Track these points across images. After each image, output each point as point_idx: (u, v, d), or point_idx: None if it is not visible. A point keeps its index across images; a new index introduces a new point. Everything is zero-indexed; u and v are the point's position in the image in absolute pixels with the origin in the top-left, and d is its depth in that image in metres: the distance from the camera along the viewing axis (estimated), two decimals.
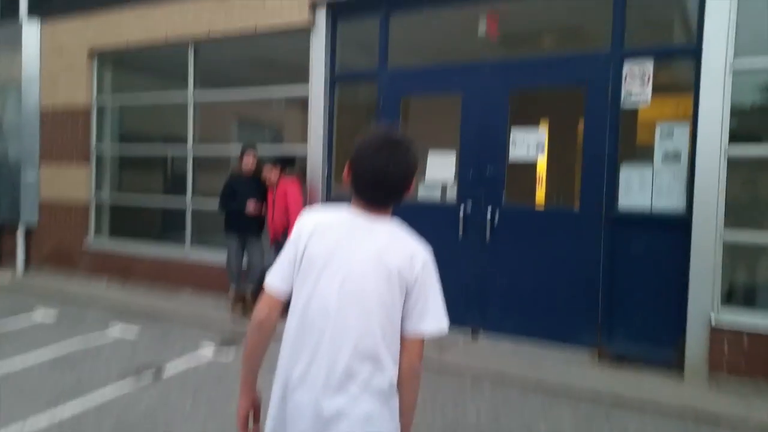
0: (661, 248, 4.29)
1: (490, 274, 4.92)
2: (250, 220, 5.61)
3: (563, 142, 6.48)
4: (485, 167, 4.94)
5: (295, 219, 4.98)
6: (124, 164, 8.13)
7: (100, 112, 7.61)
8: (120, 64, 7.64)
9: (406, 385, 1.49)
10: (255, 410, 1.59)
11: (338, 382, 1.42)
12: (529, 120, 5.03)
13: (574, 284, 4.56)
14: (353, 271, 1.46)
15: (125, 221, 8.10)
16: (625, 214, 4.41)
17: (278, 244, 5.45)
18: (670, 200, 4.24)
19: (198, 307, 5.96)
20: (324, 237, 1.50)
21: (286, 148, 6.25)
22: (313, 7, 5.60)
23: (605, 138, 4.45)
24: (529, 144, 4.77)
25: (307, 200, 5.78)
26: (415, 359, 1.49)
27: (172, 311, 5.88)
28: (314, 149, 5.78)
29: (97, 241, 7.55)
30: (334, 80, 5.75)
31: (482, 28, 5.14)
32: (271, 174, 5.47)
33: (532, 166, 5.78)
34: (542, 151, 4.76)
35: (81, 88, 7.47)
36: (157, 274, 6.84)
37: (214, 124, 7.31)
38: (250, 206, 5.55)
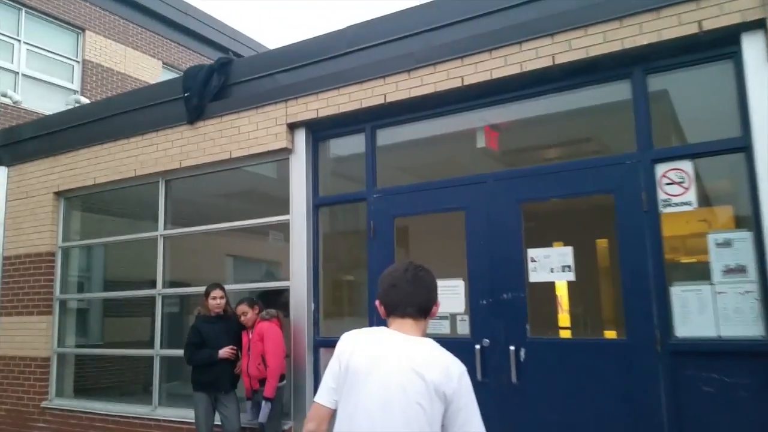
0: (741, 385, 3.29)
1: (521, 421, 3.85)
2: (222, 372, 4.61)
3: (586, 260, 5.62)
4: (500, 294, 4.05)
5: (274, 368, 4.02)
6: (91, 313, 7.24)
7: (65, 256, 6.83)
8: (88, 206, 7.01)
9: None
10: None
11: None
12: (546, 237, 4.23)
13: (632, 428, 3.49)
14: (394, 385, 1.61)
15: (91, 377, 7.02)
16: (686, 344, 3.46)
17: (256, 397, 4.41)
18: (743, 325, 3.31)
19: None
20: (365, 352, 1.69)
21: (267, 284, 5.36)
22: (291, 129, 5.02)
23: (646, 254, 3.62)
24: (553, 264, 3.93)
25: (289, 344, 4.81)
26: None
27: None
28: (297, 283, 4.92)
29: (59, 401, 6.41)
30: (317, 205, 5.03)
31: (481, 140, 4.51)
32: (245, 316, 4.57)
33: (551, 290, 4.91)
34: (570, 270, 3.90)
35: (45, 233, 6.75)
36: None
37: (206, 262, 6.56)
38: (225, 352, 4.58)
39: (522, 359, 3.92)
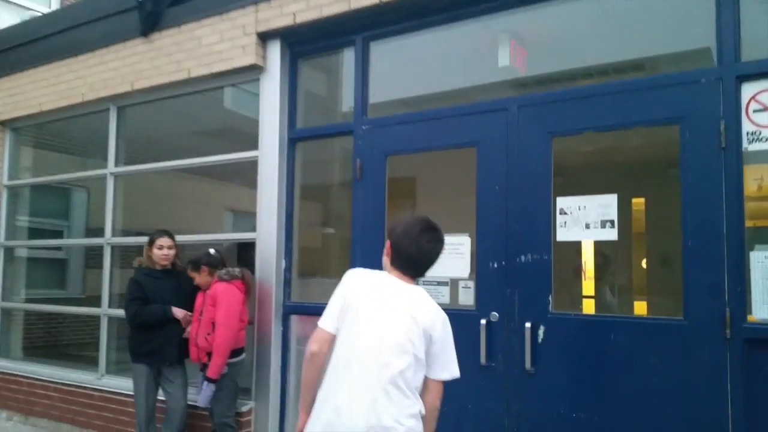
0: None
1: (536, 418, 3.02)
2: (167, 340, 3.79)
3: (622, 221, 4.68)
4: (517, 256, 3.17)
5: (222, 342, 3.28)
6: (41, 262, 6.47)
7: (12, 196, 6.01)
8: (40, 140, 6.14)
9: (429, 416, 1.95)
10: None
11: (383, 406, 1.82)
12: (583, 184, 3.30)
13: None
14: (392, 322, 1.90)
15: (43, 336, 6.29)
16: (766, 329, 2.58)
17: (205, 370, 3.59)
18: None
19: None
20: (369, 291, 1.97)
21: (225, 236, 4.49)
22: (263, 41, 4.07)
23: (720, 206, 2.70)
24: (590, 218, 3.03)
25: (254, 310, 3.98)
26: (436, 398, 1.96)
27: None
28: (265, 235, 4.06)
29: (2, 362, 5.69)
30: (293, 139, 4.13)
31: (504, 57, 3.54)
32: (200, 278, 3.72)
33: (577, 253, 4.01)
34: (613, 226, 3.00)
35: None
36: (63, 407, 4.92)
37: (200, 216, 5.73)
38: (178, 312, 3.77)
39: (540, 340, 3.07)
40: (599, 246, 4.04)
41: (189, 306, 3.83)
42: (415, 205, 5.06)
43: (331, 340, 1.95)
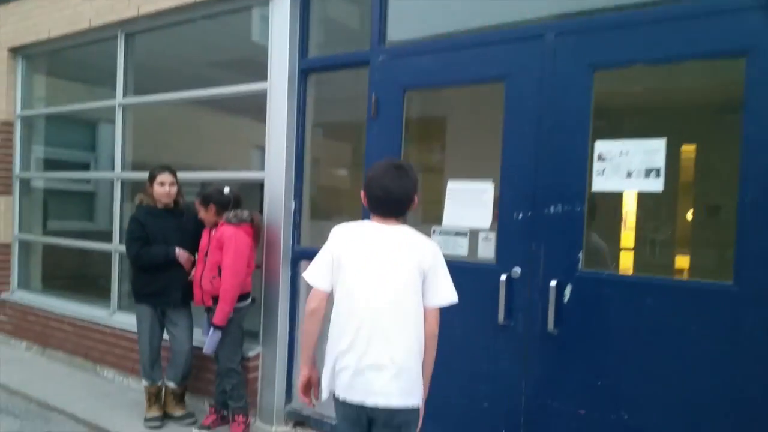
0: None
1: (555, 383, 2.79)
2: (171, 281, 3.66)
3: (679, 162, 4.22)
4: (546, 207, 2.84)
5: (229, 288, 3.32)
6: (70, 195, 6.43)
7: (27, 127, 5.89)
8: (53, 69, 5.95)
9: (428, 344, 2.04)
10: (313, 379, 2.15)
11: (382, 347, 1.93)
12: (626, 128, 2.90)
13: (729, 417, 2.39)
14: (386, 264, 1.97)
15: (63, 268, 6.31)
16: None
17: (209, 317, 3.46)
18: None
19: (105, 401, 3.97)
20: (355, 242, 2.02)
21: (232, 174, 4.25)
22: None
23: None
24: (633, 165, 2.67)
25: (262, 254, 3.79)
26: (434, 325, 2.03)
27: (66, 404, 3.94)
28: (274, 174, 3.81)
29: (21, 293, 5.75)
30: (304, 69, 3.79)
31: None
32: (206, 214, 3.53)
33: (615, 205, 3.64)
34: (658, 176, 2.63)
35: (0, 98, 5.78)
36: (76, 341, 4.95)
37: (227, 152, 5.54)
38: (182, 256, 3.61)
39: (566, 300, 2.78)
40: (641, 199, 3.66)
41: (193, 246, 3.67)
42: (441, 148, 4.72)
43: (328, 296, 2.05)
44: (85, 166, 6.55)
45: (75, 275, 6.26)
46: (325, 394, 2.06)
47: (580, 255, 2.76)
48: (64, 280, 6.16)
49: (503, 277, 2.89)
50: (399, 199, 2.03)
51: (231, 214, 3.45)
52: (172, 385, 3.73)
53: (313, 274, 2.06)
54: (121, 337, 4.61)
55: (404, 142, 3.38)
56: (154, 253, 3.61)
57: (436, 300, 2.02)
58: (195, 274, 3.56)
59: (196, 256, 3.64)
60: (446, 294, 2.03)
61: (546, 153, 2.86)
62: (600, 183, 2.77)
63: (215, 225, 3.52)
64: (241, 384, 3.52)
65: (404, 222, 2.11)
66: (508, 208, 2.96)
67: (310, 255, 3.77)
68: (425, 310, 2.01)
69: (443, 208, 3.23)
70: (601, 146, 2.77)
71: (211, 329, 3.35)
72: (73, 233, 5.78)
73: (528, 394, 2.88)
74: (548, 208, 2.84)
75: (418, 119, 4.32)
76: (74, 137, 6.48)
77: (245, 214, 3.48)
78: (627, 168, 2.72)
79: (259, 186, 3.91)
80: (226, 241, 3.37)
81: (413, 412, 2.00)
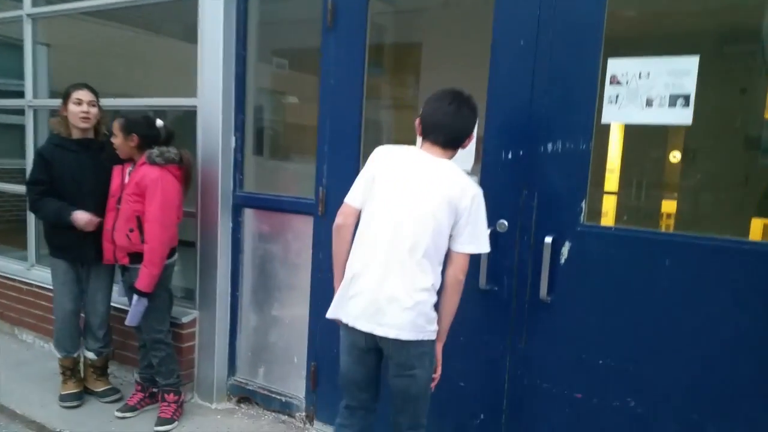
0: None
1: (550, 363, 2.34)
2: (86, 234, 3.02)
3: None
4: (542, 144, 2.30)
5: (156, 247, 2.80)
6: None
7: None
8: None
9: (449, 291, 1.95)
10: None
11: (395, 277, 1.87)
12: (646, 44, 2.32)
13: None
14: (416, 194, 1.89)
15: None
16: None
17: (126, 278, 2.91)
18: None
19: (19, 371, 3.45)
20: (394, 164, 1.96)
21: (155, 100, 3.58)
22: None
23: None
24: (654, 91, 2.13)
25: (197, 200, 3.22)
26: (459, 271, 1.93)
27: None
28: (208, 102, 3.18)
29: None
30: None
31: None
32: (123, 143, 2.89)
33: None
34: (686, 105, 2.10)
35: None
36: None
37: (178, 79, 4.81)
38: (80, 219, 2.95)
39: (563, 260, 2.28)
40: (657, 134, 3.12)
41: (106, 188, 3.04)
42: (415, 80, 4.12)
43: (356, 214, 2.01)
44: (20, 95, 5.81)
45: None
46: (329, 315, 2.04)
47: (583, 205, 2.25)
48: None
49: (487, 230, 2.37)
50: (453, 131, 1.95)
51: (155, 152, 2.82)
52: (90, 356, 3.21)
53: (351, 189, 2.04)
54: (40, 296, 4.04)
55: (368, 66, 2.77)
56: (47, 210, 2.98)
57: (468, 247, 1.92)
58: (105, 223, 2.97)
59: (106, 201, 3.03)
60: (481, 243, 1.94)
61: (544, 75, 2.29)
62: (612, 113, 2.23)
63: (129, 160, 2.92)
64: (171, 357, 3.01)
65: (452, 158, 2.00)
66: (495, 146, 2.41)
67: (256, 202, 3.24)
68: (453, 253, 1.93)
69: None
70: (615, 65, 2.21)
71: (135, 297, 2.80)
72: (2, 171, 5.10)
73: (513, 372, 2.42)
74: (545, 145, 2.30)
75: (390, 46, 3.71)
76: (9, 63, 5.72)
77: (172, 152, 2.86)
78: (647, 94, 2.17)
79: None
80: (150, 187, 2.77)
81: (425, 344, 1.94)
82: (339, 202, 2.69)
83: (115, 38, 4.51)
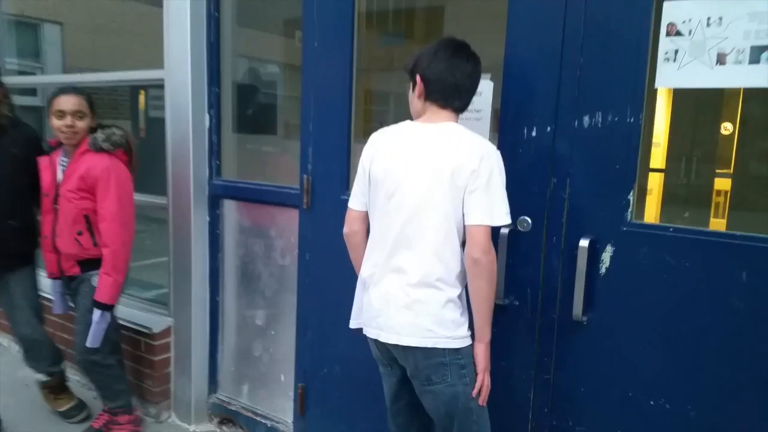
0: None
1: (585, 400, 1.88)
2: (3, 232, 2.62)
3: None
4: (577, 118, 1.80)
5: (118, 250, 2.39)
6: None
7: None
8: None
9: (469, 276, 1.63)
10: None
11: (394, 272, 1.66)
12: None
13: None
14: (417, 176, 1.63)
15: None
16: None
17: (79, 288, 2.53)
18: None
19: None
20: (386, 152, 1.71)
21: (117, 74, 3.18)
22: None
23: None
24: (729, 42, 1.61)
25: (167, 189, 2.83)
26: (472, 248, 1.59)
27: None
28: (177, 74, 2.76)
29: None
30: None
31: None
32: (85, 127, 2.47)
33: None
34: None
35: None
36: None
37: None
38: None
39: (603, 269, 1.80)
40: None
41: (21, 183, 2.61)
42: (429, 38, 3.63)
43: (363, 218, 1.85)
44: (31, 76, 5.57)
45: None
46: (352, 324, 1.88)
47: (631, 197, 1.75)
48: None
49: (504, 230, 1.89)
50: (468, 83, 1.69)
51: (100, 135, 2.42)
52: (40, 377, 2.86)
53: (352, 191, 1.86)
54: None
55: (382, 33, 2.30)
56: None
57: (471, 216, 1.59)
58: (42, 230, 2.57)
59: (37, 203, 2.62)
60: (496, 211, 1.59)
61: (579, 24, 1.78)
62: (668, 75, 1.71)
63: (54, 149, 2.54)
64: (114, 377, 2.60)
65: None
66: (515, 120, 1.92)
67: (235, 192, 2.82)
68: (466, 228, 1.62)
69: None
70: (673, 10, 1.69)
71: (97, 313, 2.40)
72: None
73: (539, 410, 1.96)
74: (580, 118, 1.80)
75: (408, 11, 3.25)
76: (21, 43, 5.48)
77: (117, 134, 2.45)
78: (718, 47, 1.65)
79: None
80: (101, 179, 2.36)
81: (441, 353, 1.64)
82: (327, 191, 2.25)
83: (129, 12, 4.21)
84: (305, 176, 2.45)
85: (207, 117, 2.78)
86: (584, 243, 1.77)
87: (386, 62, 3.72)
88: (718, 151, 3.94)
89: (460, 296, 1.67)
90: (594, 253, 1.78)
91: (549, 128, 1.85)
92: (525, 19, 1.88)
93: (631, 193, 1.75)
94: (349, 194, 2.20)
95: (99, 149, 2.39)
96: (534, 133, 1.88)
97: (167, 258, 2.92)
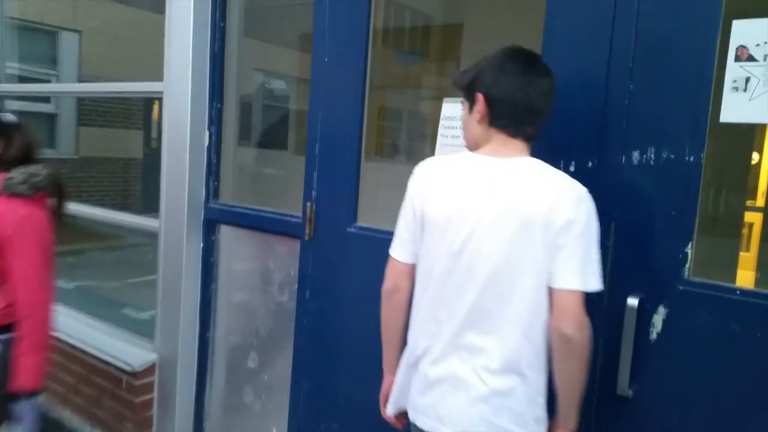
0: None
1: None
2: None
3: None
4: (623, 153, 1.54)
5: (43, 304, 1.92)
6: (28, 116, 5.43)
7: None
8: None
9: (556, 355, 1.30)
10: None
11: (465, 349, 1.33)
12: None
13: None
14: (480, 229, 1.30)
15: None
16: None
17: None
18: None
19: None
20: (447, 191, 1.37)
21: (125, 87, 2.98)
22: None
23: None
24: None
25: (160, 211, 2.62)
26: (564, 323, 1.26)
27: None
28: (177, 87, 2.57)
29: None
30: None
31: None
32: None
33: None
34: None
35: None
36: None
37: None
38: None
39: (654, 335, 1.52)
40: None
41: None
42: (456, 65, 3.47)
43: (410, 272, 1.47)
44: (45, 83, 5.51)
45: None
46: (389, 410, 1.55)
47: (689, 251, 1.48)
48: None
49: None
50: (544, 104, 1.37)
51: (17, 176, 1.90)
52: None
53: (394, 236, 1.51)
54: None
55: (402, 51, 2.09)
56: None
57: (562, 279, 1.27)
58: None
59: None
60: (588, 273, 1.28)
61: (629, 45, 1.54)
62: (737, 106, 1.45)
63: None
64: None
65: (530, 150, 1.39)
66: (549, 153, 1.66)
67: (234, 217, 2.59)
68: (552, 293, 1.29)
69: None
70: (743, 30, 1.44)
71: (23, 403, 1.90)
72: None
73: None
74: (628, 154, 1.54)
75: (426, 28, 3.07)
76: (38, 50, 5.44)
77: (42, 175, 1.95)
78: None
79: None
80: (16, 233, 1.86)
81: None
82: (333, 221, 2.02)
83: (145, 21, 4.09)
84: (309, 204, 2.21)
85: (207, 134, 2.56)
86: (632, 302, 1.49)
87: (401, 79, 3.54)
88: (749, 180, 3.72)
89: (545, 384, 1.36)
90: (644, 314, 1.51)
91: (591, 163, 1.60)
92: (563, 35, 1.64)
93: (690, 245, 1.47)
94: (358, 226, 1.96)
95: (14, 194, 1.89)
96: (573, 168, 1.62)
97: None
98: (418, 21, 3.64)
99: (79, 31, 6.27)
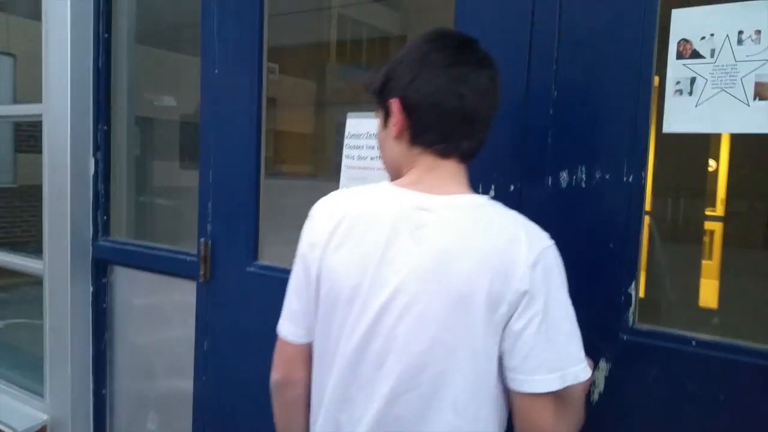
0: None
1: None
2: None
3: None
4: (550, 175, 1.27)
5: None
6: None
7: None
8: None
9: None
10: None
11: None
12: None
13: None
14: (397, 303, 0.93)
15: None
16: None
17: None
18: None
19: None
20: (351, 241, 0.98)
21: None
22: None
23: None
24: (744, 69, 1.11)
25: (44, 252, 2.27)
26: (544, 424, 0.90)
27: None
28: (57, 107, 2.23)
29: None
30: None
31: None
32: None
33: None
34: None
35: None
36: None
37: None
38: None
39: (596, 395, 1.24)
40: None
41: None
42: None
43: (306, 354, 1.07)
44: None
45: None
46: None
47: (632, 291, 1.21)
48: None
49: None
50: (485, 107, 0.99)
51: None
52: None
53: (283, 309, 1.09)
54: None
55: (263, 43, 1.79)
56: None
57: (530, 377, 0.90)
58: None
59: None
60: (555, 361, 0.90)
61: (550, 45, 1.27)
62: (682, 114, 1.20)
63: None
64: None
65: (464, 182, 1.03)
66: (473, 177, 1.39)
67: (126, 257, 2.25)
68: (513, 399, 0.93)
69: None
70: (684, 21, 1.20)
71: None
72: None
73: None
74: (555, 175, 1.28)
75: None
76: None
77: None
78: (756, 73, 1.15)
79: None
80: None
81: None
82: (231, 260, 1.70)
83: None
84: (203, 240, 1.89)
85: (92, 161, 2.23)
86: None
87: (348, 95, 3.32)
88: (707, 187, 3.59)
89: None
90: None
91: (513, 187, 1.32)
92: (474, 33, 1.36)
93: (633, 284, 1.21)
94: (258, 264, 1.66)
95: None
96: (492, 194, 1.34)
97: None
98: (360, 33, 3.42)
99: (13, 55, 5.98)
